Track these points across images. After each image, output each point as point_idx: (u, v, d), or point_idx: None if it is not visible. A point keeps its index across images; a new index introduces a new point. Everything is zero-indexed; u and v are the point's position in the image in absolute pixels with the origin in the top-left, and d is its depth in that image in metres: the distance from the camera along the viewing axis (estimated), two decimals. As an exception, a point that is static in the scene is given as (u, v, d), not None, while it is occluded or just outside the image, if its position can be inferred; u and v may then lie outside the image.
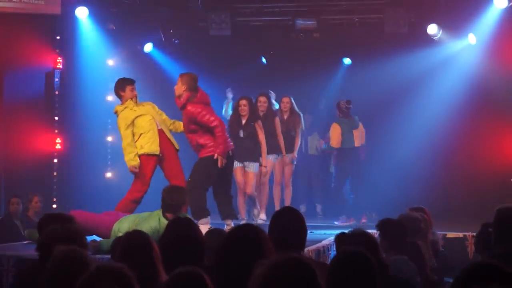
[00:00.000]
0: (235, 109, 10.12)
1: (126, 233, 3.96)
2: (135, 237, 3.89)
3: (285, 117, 10.70)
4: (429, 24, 11.33)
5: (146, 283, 3.40)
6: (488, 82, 11.52)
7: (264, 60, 12.71)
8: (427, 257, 5.75)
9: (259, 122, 10.05)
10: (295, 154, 10.69)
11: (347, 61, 12.62)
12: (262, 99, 10.29)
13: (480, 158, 11.58)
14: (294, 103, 10.82)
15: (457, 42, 11.71)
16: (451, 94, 11.64)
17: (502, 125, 11.53)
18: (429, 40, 11.55)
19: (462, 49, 11.71)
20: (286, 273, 2.41)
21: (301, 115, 10.90)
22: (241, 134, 9.91)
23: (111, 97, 12.37)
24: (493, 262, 2.39)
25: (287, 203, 10.34)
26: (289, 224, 4.10)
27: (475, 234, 5.89)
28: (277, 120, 10.44)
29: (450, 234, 8.65)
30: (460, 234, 8.62)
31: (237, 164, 9.58)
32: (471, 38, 11.50)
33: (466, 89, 11.51)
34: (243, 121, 9.96)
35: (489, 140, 11.60)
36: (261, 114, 10.24)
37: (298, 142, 10.81)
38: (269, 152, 10.20)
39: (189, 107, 8.03)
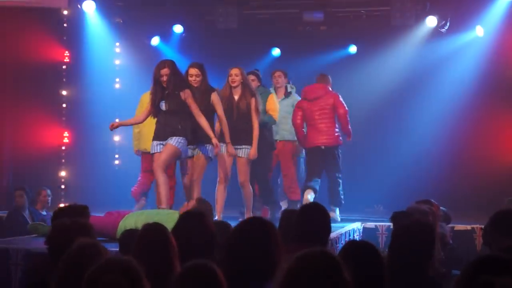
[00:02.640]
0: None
1: (144, 225, 3.91)
2: (153, 230, 3.84)
3: (236, 96, 8.50)
4: (436, 17, 11.30)
5: (161, 278, 3.39)
6: (496, 74, 11.48)
7: (276, 52, 12.61)
8: (435, 250, 5.75)
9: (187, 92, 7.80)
10: (254, 150, 8.45)
11: (352, 49, 12.47)
12: (194, 71, 8.15)
13: (488, 151, 11.55)
14: (245, 75, 8.65)
15: (465, 35, 11.67)
16: (459, 86, 11.61)
17: (511, 117, 11.50)
18: (437, 33, 11.51)
19: (470, 42, 11.66)
20: (313, 265, 2.42)
21: (256, 93, 8.66)
22: (163, 106, 7.87)
23: (118, 86, 12.41)
24: (501, 254, 2.38)
25: (249, 206, 8.66)
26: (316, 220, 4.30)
27: (483, 226, 5.88)
28: (215, 96, 8.14)
29: (458, 227, 8.63)
30: (468, 227, 8.61)
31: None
32: (479, 30, 11.46)
33: (474, 81, 11.47)
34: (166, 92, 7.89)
35: (498, 132, 11.57)
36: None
37: (256, 132, 8.49)
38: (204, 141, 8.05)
39: None
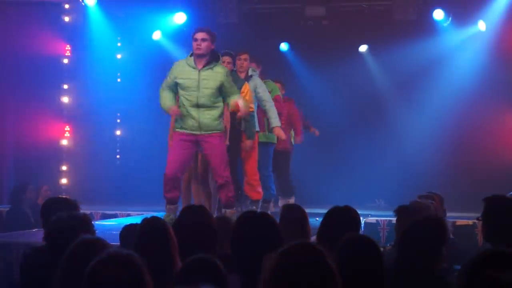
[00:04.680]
0: None
1: (143, 219, 3.91)
2: (153, 224, 3.83)
3: None
4: (439, 12, 11.28)
5: (161, 272, 3.39)
6: (498, 69, 11.47)
7: (284, 46, 12.55)
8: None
9: None
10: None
11: (363, 48, 12.40)
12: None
13: (490, 145, 11.56)
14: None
15: (467, 29, 11.65)
16: (461, 81, 11.60)
17: (512, 112, 11.53)
18: (439, 27, 11.50)
19: (472, 36, 11.65)
20: (296, 258, 2.43)
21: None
22: None
23: (119, 80, 12.42)
24: (505, 249, 2.37)
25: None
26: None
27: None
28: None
29: (460, 222, 8.64)
30: (470, 222, 8.61)
31: None
32: (481, 25, 11.44)
33: (476, 76, 11.47)
34: None
35: (500, 126, 11.58)
36: None
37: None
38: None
39: None
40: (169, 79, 7.29)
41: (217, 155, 7.27)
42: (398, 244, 3.88)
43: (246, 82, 8.59)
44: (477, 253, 2.39)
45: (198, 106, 7.16)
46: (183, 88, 7.20)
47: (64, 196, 4.98)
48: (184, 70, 7.21)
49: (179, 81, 7.20)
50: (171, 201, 7.40)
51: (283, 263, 2.43)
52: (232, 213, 6.86)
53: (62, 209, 4.18)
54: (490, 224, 4.33)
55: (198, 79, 7.15)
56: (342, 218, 4.20)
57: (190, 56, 7.28)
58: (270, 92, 9.15)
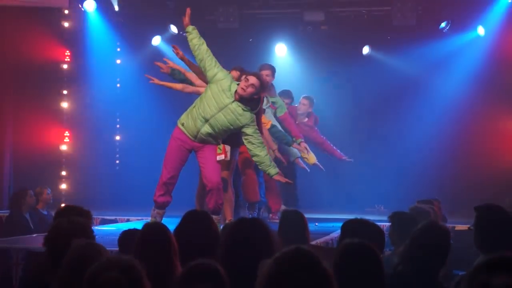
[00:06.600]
0: None
1: (144, 225, 3.91)
2: (153, 230, 3.82)
3: None
4: (438, 17, 11.29)
5: (161, 277, 3.38)
6: (497, 74, 11.47)
7: (281, 49, 12.53)
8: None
9: None
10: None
11: (365, 50, 12.35)
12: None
13: (489, 150, 11.55)
14: None
15: (466, 34, 11.67)
16: (460, 86, 11.61)
17: (512, 117, 11.53)
18: (438, 32, 11.51)
19: (471, 41, 11.66)
20: (290, 263, 2.42)
21: None
22: None
23: (119, 86, 12.42)
24: (505, 254, 2.36)
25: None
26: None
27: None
28: None
29: (459, 227, 8.63)
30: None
31: None
32: (480, 30, 11.46)
33: (475, 81, 11.47)
34: None
35: (499, 131, 11.58)
36: None
37: None
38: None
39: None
40: (215, 65, 7.20)
41: (209, 161, 7.31)
42: (405, 250, 3.86)
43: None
44: (483, 260, 2.38)
45: (206, 121, 7.16)
46: (208, 95, 7.15)
47: (78, 206, 4.88)
48: (225, 87, 7.12)
49: (213, 85, 7.14)
50: (162, 206, 7.43)
51: (277, 269, 2.43)
52: (217, 220, 6.82)
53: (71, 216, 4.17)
54: (481, 234, 4.32)
55: (225, 104, 7.08)
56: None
57: (237, 84, 7.15)
58: (277, 108, 9.04)
